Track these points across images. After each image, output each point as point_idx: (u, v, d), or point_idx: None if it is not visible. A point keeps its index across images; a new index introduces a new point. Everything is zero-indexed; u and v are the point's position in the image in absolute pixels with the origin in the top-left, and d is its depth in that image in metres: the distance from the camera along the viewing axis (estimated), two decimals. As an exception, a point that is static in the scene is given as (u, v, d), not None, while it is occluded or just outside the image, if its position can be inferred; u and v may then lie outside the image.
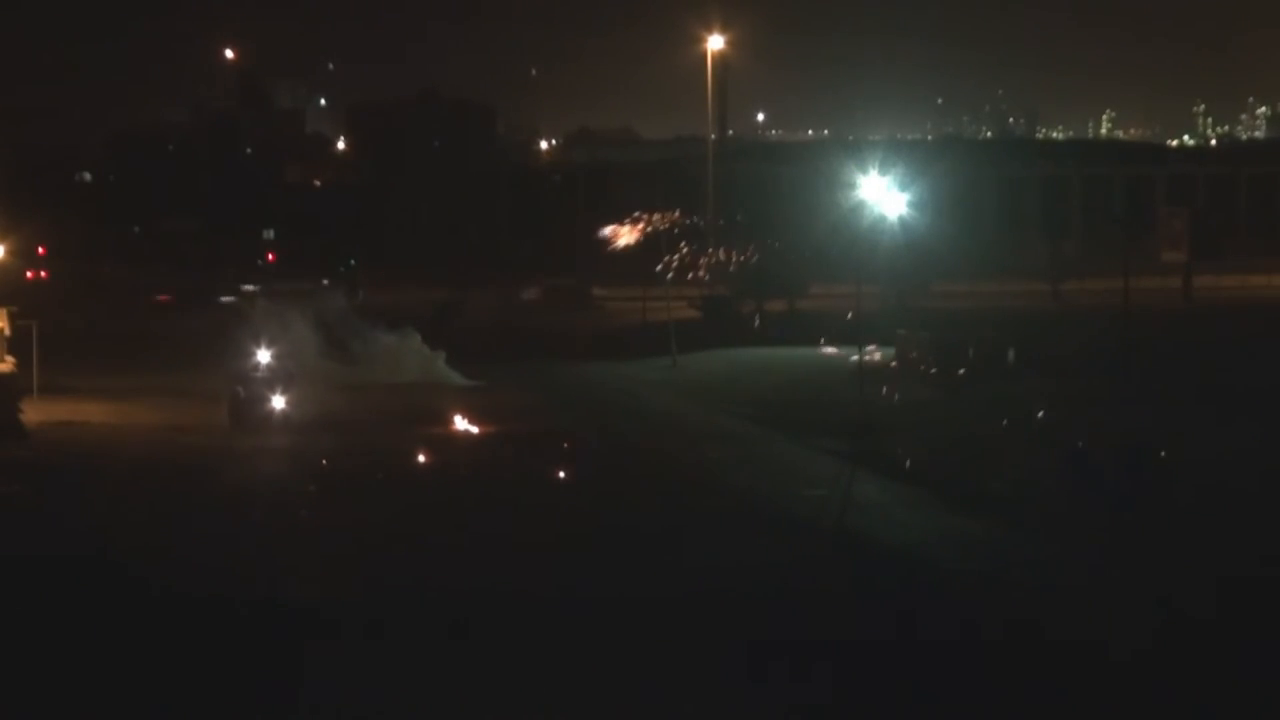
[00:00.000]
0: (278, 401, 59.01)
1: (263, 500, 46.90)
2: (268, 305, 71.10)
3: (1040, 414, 60.35)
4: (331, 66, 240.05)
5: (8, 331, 65.41)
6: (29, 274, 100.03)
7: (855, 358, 66.69)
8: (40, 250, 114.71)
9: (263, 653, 31.99)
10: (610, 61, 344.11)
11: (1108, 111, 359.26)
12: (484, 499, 47.31)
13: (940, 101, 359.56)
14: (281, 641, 32.81)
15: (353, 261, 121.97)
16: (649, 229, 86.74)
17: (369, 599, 35.87)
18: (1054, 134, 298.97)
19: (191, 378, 66.78)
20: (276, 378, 59.79)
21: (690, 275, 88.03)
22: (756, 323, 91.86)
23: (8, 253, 77.33)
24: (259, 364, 60.56)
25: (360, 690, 29.97)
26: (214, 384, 63.11)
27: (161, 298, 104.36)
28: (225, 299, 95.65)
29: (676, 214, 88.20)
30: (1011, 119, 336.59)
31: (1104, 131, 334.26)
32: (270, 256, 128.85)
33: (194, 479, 49.67)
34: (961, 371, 71.34)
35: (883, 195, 68.69)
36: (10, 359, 64.33)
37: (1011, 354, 73.53)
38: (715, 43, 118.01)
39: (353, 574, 38.37)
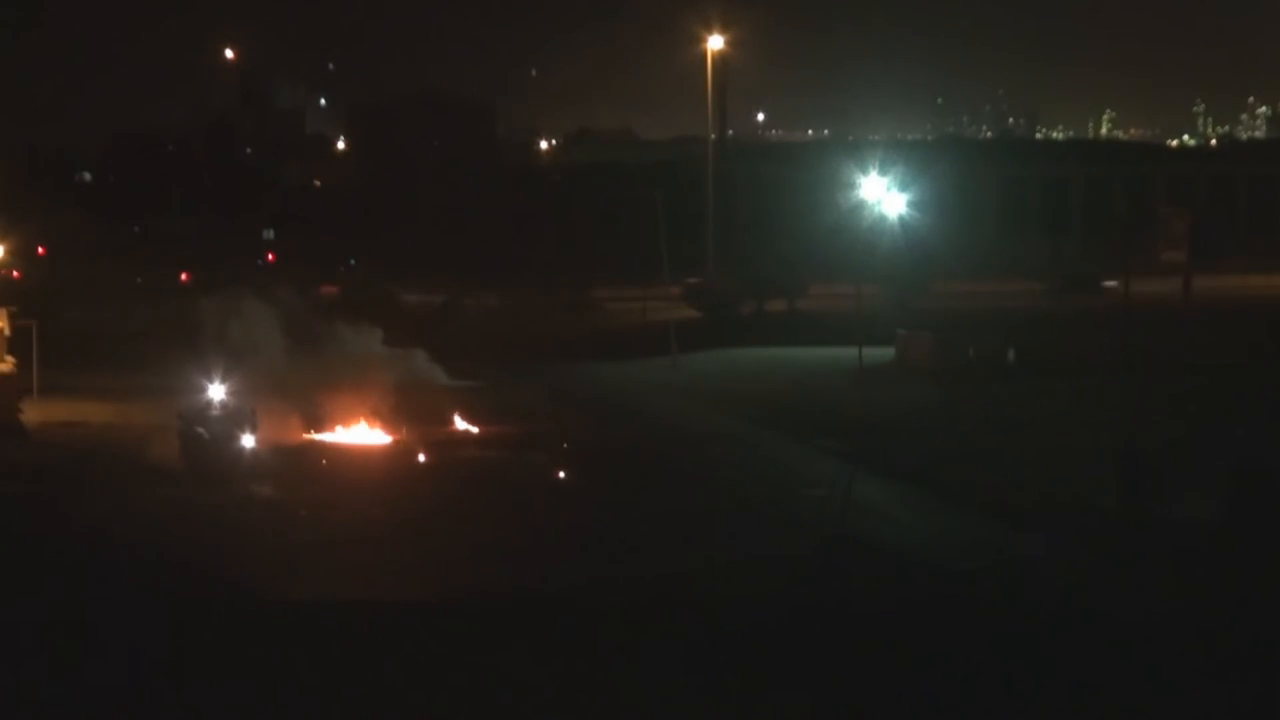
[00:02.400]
0: (247, 440, 51.17)
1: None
2: (218, 305, 67.16)
3: (1040, 414, 60.37)
4: (331, 66, 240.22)
5: (8, 331, 65.39)
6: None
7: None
8: (40, 250, 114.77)
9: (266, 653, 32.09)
10: (610, 61, 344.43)
11: (1108, 111, 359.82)
12: (481, 502, 47.28)
13: (940, 101, 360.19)
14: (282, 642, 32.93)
15: (353, 261, 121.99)
16: None
17: (377, 598, 36.00)
18: (1054, 134, 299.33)
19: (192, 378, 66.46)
20: (239, 415, 51.63)
21: None
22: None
23: (7, 252, 77.35)
24: (213, 400, 52.05)
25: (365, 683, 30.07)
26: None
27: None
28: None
29: None
30: (1011, 119, 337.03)
31: (1104, 131, 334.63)
32: (270, 256, 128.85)
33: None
34: (961, 372, 71.31)
35: (883, 195, 68.67)
36: (10, 359, 64.29)
37: (1011, 354, 73.53)
38: (715, 42, 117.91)
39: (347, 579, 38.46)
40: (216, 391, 52.14)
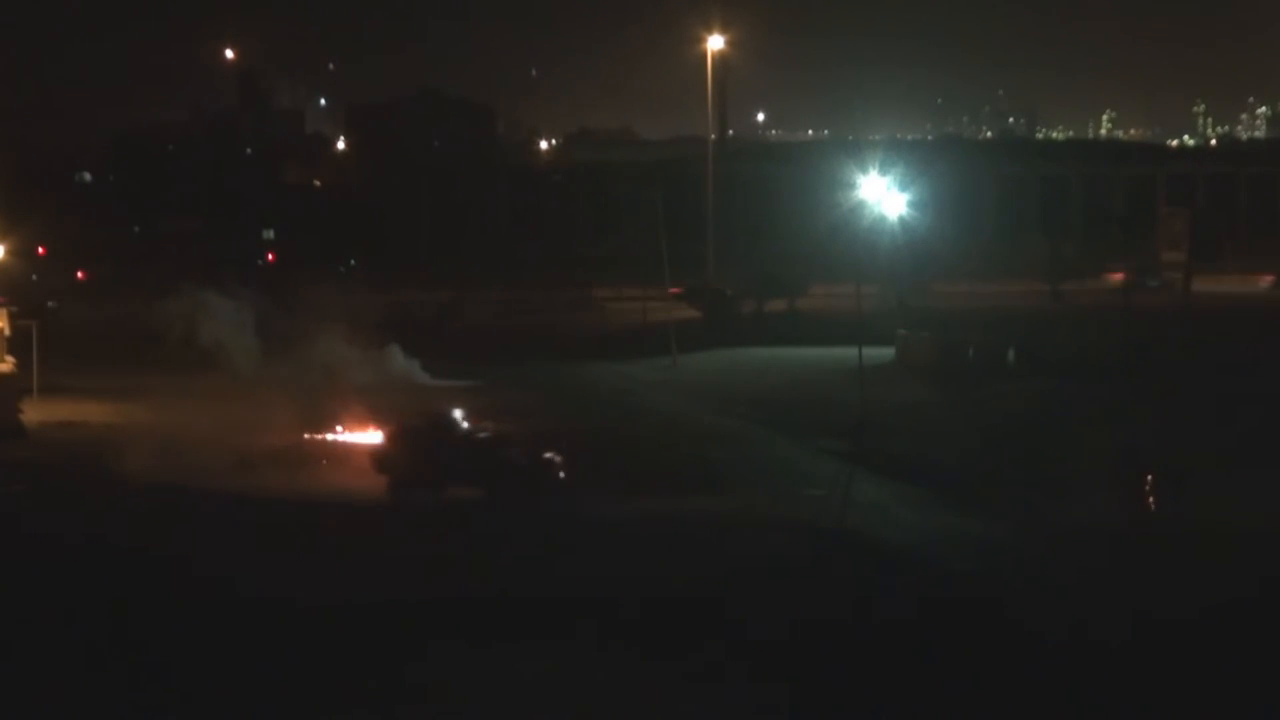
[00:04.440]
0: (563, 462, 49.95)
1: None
2: (191, 304, 65.82)
3: (1040, 414, 60.39)
4: (331, 66, 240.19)
5: (8, 331, 65.40)
6: None
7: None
8: (40, 251, 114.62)
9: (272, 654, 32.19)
10: (610, 61, 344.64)
11: (1108, 111, 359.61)
12: (484, 501, 47.30)
13: (940, 101, 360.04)
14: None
15: (352, 261, 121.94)
16: None
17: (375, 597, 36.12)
18: (1054, 134, 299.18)
19: (190, 378, 66.29)
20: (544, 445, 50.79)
21: None
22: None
23: (8, 253, 77.25)
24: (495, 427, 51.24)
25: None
26: (211, 385, 62.29)
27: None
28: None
29: None
30: (1011, 119, 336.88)
31: (1104, 131, 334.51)
32: (270, 256, 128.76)
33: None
34: (961, 372, 71.31)
35: (883, 195, 68.76)
36: (10, 359, 64.30)
37: (1011, 354, 73.51)
38: (715, 43, 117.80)
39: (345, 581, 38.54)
40: (459, 414, 51.21)
